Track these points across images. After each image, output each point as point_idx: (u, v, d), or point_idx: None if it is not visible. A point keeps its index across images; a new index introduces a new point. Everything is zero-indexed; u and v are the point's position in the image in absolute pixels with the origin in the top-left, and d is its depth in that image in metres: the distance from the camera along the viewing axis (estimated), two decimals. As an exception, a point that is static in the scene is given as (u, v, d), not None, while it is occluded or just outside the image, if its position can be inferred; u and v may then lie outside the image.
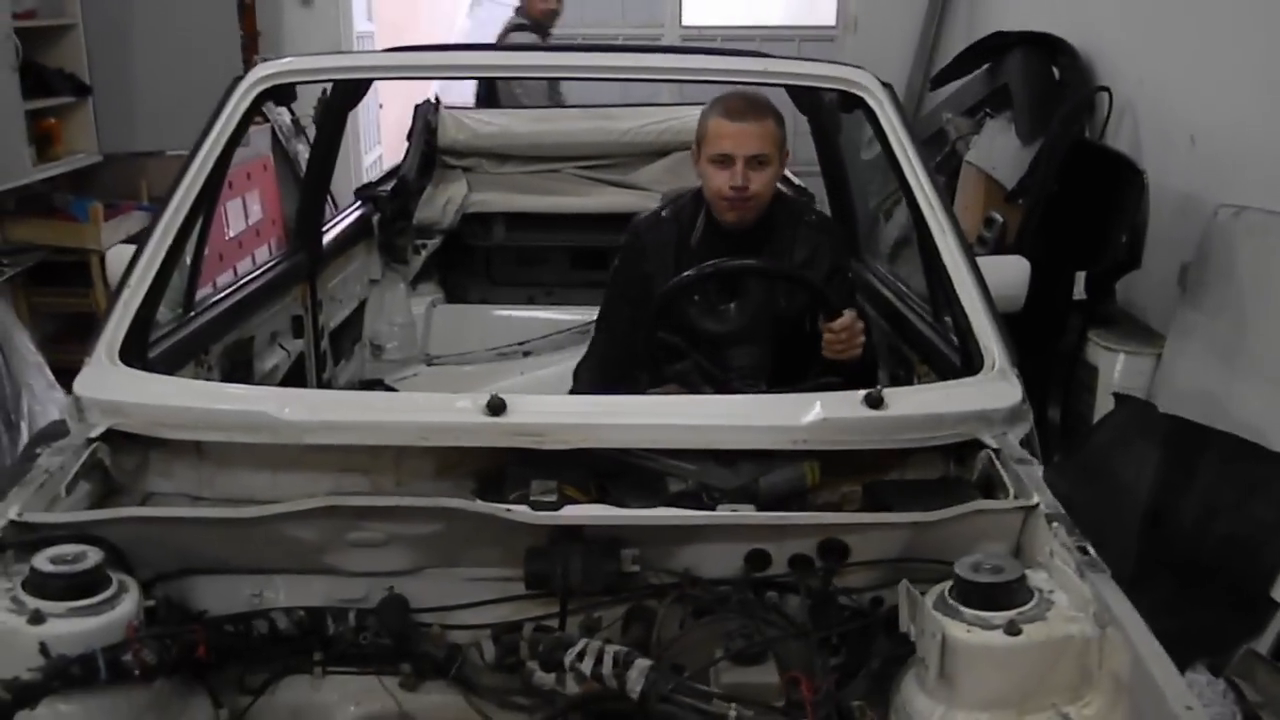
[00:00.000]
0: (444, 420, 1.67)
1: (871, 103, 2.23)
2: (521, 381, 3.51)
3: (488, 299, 4.21)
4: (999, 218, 4.36)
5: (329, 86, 3.00)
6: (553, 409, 1.72)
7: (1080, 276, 3.94)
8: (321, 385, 3.15)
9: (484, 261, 4.35)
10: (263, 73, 2.20)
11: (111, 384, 1.71)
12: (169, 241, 1.98)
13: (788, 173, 4.06)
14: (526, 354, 3.84)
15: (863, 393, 1.76)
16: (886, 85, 2.27)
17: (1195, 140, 3.74)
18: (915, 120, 6.15)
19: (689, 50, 2.58)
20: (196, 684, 1.58)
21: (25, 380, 3.22)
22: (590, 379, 2.58)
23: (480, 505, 1.57)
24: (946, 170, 5.34)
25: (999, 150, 4.66)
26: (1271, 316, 3.46)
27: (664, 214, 2.58)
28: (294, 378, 2.96)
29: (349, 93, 2.97)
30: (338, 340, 3.45)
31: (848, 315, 2.23)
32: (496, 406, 1.68)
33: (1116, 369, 4.19)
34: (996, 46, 4.84)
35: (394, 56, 2.56)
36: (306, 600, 1.67)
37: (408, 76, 3.52)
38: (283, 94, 2.25)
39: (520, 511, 1.57)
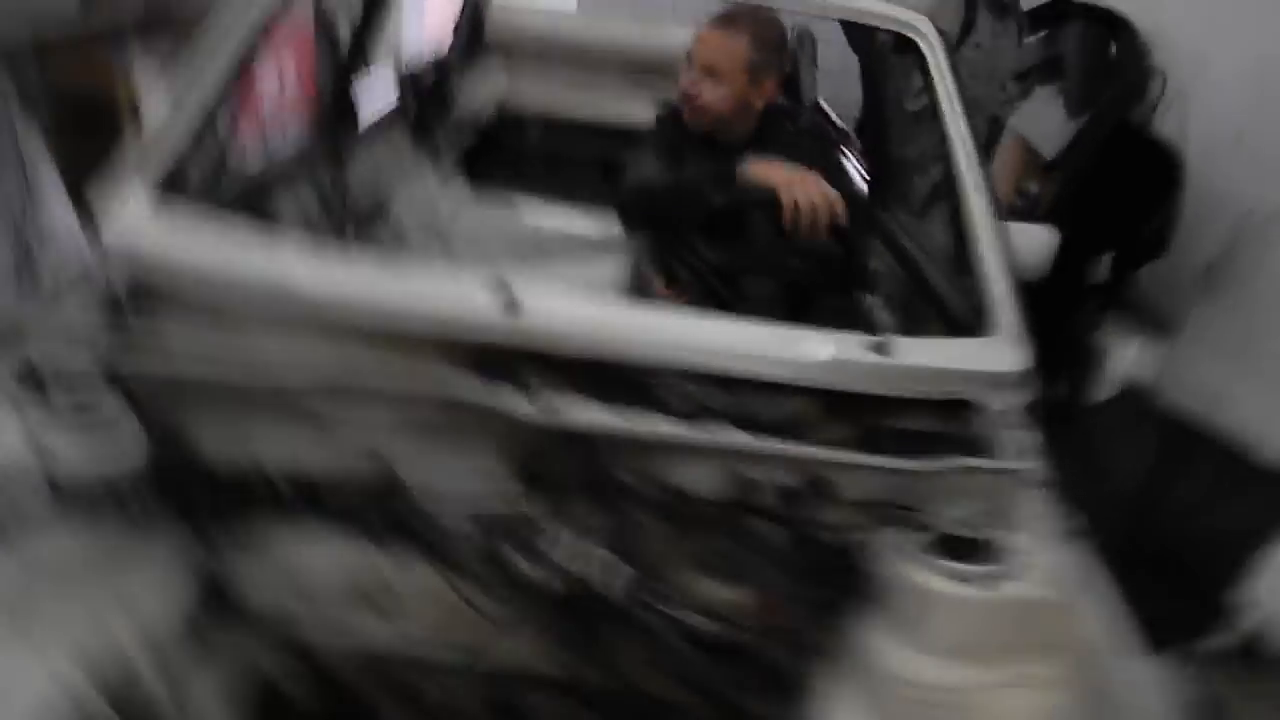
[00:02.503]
0: (455, 313, 1.68)
1: (924, 47, 2.21)
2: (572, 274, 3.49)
3: (525, 199, 4.18)
4: (1034, 187, 4.33)
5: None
6: (569, 313, 1.73)
7: (1105, 259, 3.93)
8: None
9: (518, 162, 4.32)
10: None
11: (138, 233, 1.72)
12: (208, 97, 1.98)
13: (828, 110, 4.04)
14: (545, 256, 3.83)
15: (870, 339, 1.77)
16: (942, 33, 2.24)
17: (1242, 138, 3.70)
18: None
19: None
20: (191, 529, 1.63)
21: (48, 215, 3.23)
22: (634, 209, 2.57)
23: (482, 396, 1.59)
24: (987, 136, 5.30)
25: (1044, 119, 4.60)
26: (1290, 327, 3.46)
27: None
28: None
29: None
30: (361, 224, 3.45)
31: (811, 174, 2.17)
32: (511, 305, 1.70)
33: (1126, 354, 4.21)
34: (1057, 15, 4.74)
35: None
36: (309, 467, 1.71)
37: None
38: None
39: (520, 408, 1.59)
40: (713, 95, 2.36)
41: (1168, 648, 2.91)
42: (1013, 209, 4.31)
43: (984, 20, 3.70)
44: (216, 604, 1.67)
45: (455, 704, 1.82)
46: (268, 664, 1.76)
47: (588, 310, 1.74)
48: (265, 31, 2.16)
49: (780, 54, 2.40)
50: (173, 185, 1.87)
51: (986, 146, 5.39)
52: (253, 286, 1.69)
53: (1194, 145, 3.79)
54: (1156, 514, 3.77)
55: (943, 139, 2.15)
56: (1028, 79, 4.83)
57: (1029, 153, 4.68)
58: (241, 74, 2.13)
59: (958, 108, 2.14)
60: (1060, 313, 3.78)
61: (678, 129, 2.47)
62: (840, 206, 2.11)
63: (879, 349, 1.77)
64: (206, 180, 2.16)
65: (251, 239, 1.76)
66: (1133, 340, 4.20)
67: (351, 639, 1.78)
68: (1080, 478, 3.85)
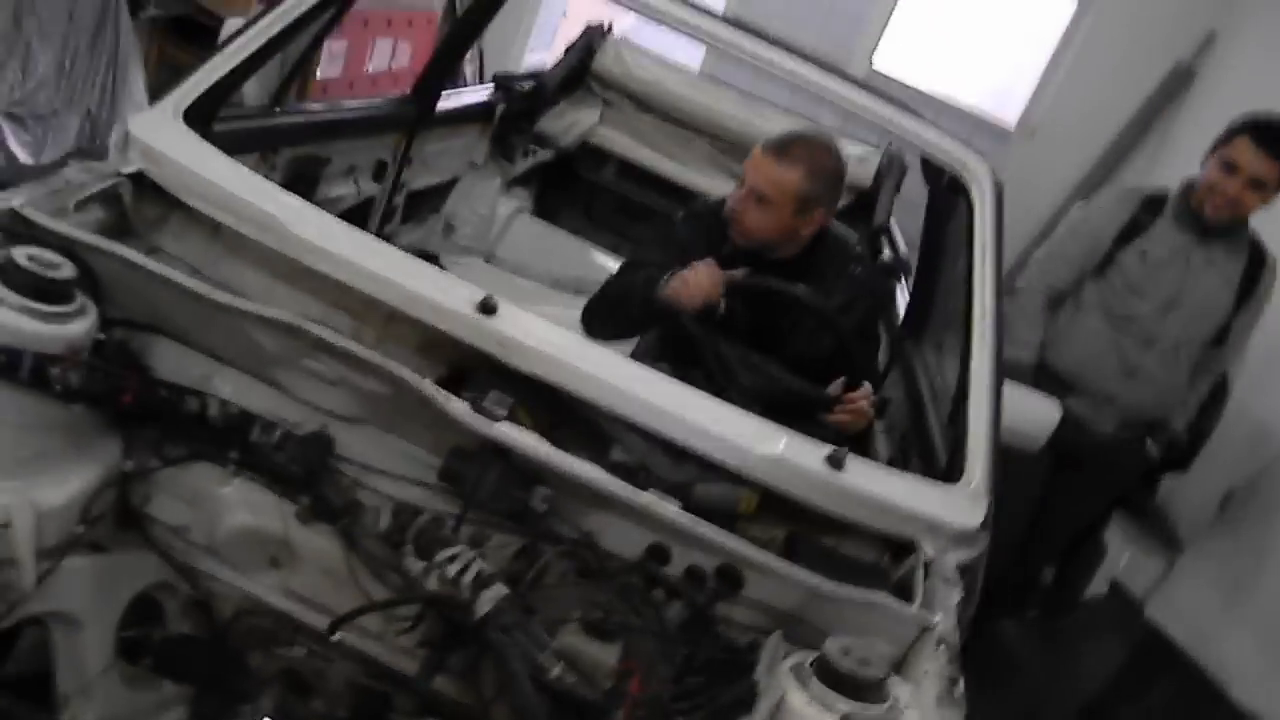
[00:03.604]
0: (433, 297, 1.69)
1: (975, 193, 2.20)
2: (560, 314, 3.52)
3: (580, 233, 4.21)
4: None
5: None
6: (540, 334, 1.73)
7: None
8: (379, 234, 3.20)
9: (587, 195, 4.38)
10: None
11: (159, 132, 1.76)
12: (274, 30, 2.02)
13: (897, 234, 4.02)
14: (579, 291, 3.86)
15: (829, 450, 1.74)
16: (998, 184, 2.23)
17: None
18: (1037, 239, 6.07)
19: (851, 80, 2.51)
20: (115, 429, 1.65)
21: (124, 114, 3.32)
22: (590, 307, 2.56)
23: (422, 384, 1.59)
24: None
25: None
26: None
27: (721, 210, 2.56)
28: (355, 216, 3.01)
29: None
30: (415, 202, 3.50)
31: (865, 388, 2.20)
32: (490, 308, 1.71)
33: (1123, 560, 4.12)
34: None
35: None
36: (248, 404, 1.72)
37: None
38: None
39: (456, 407, 1.59)
40: (757, 220, 2.33)
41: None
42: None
43: (1164, 229, 3.27)
44: (116, 505, 1.68)
45: (317, 670, 1.81)
46: (148, 576, 1.77)
47: (559, 337, 1.73)
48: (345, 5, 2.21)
49: (835, 186, 2.38)
50: (202, 111, 1.90)
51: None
52: (246, 213, 1.71)
53: (1247, 365, 3.71)
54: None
55: (967, 283, 2.13)
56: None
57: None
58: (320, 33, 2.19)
59: (989, 258, 2.12)
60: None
61: (721, 231, 2.45)
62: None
63: (833, 462, 1.74)
64: (252, 116, 2.22)
65: (257, 177, 1.79)
66: (1135, 545, 4.11)
67: (236, 578, 1.78)
68: (1042, 667, 3.77)
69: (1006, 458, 3.50)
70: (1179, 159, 5.39)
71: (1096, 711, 3.69)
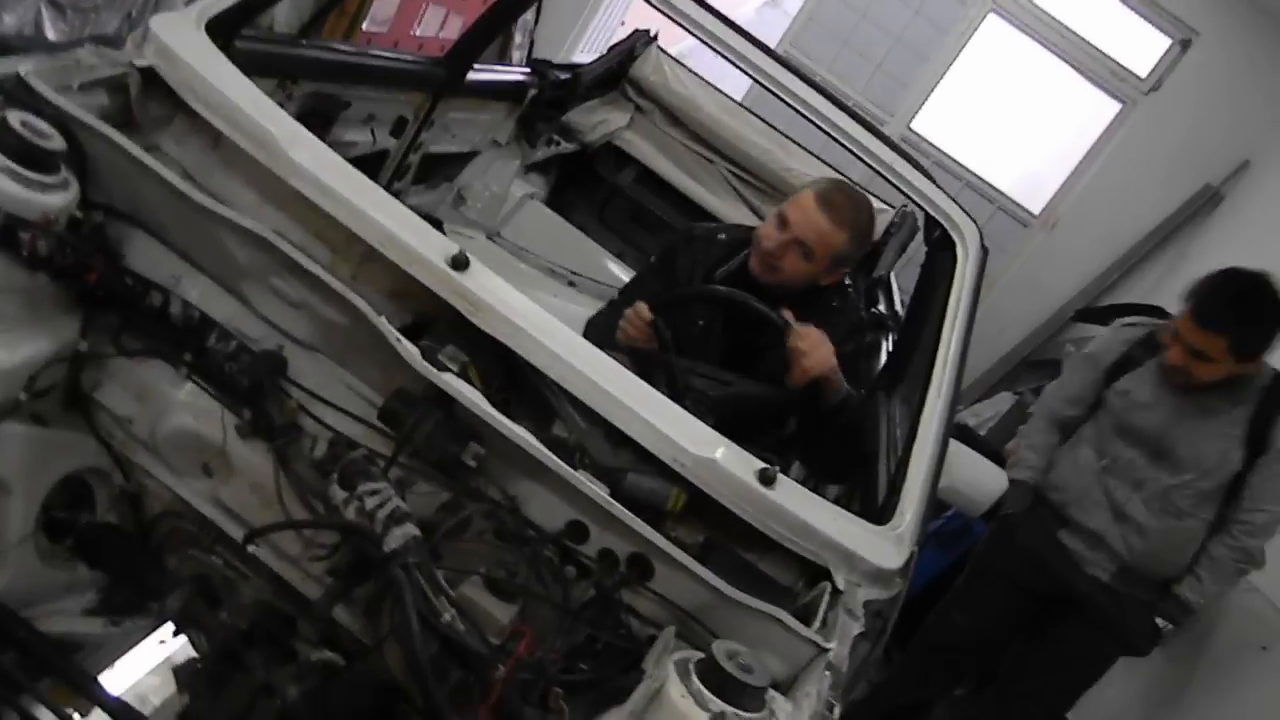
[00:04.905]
0: (407, 241, 1.72)
1: (959, 251, 2.24)
2: (548, 302, 3.56)
3: (587, 229, 4.26)
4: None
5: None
6: (505, 298, 1.76)
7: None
8: (387, 189, 3.23)
9: (602, 195, 4.43)
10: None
11: (177, 33, 1.79)
12: None
13: (895, 288, 4.06)
14: (571, 284, 3.90)
15: (762, 465, 1.77)
16: (984, 248, 2.27)
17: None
18: (1047, 335, 6.10)
19: (865, 124, 2.56)
20: (76, 309, 1.68)
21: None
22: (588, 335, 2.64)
23: (379, 321, 1.62)
24: (1038, 394, 5.26)
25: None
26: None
27: (720, 236, 2.67)
28: (366, 166, 3.04)
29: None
30: (430, 166, 3.53)
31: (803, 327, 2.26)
32: (460, 263, 1.74)
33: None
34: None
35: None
36: (210, 311, 1.75)
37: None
38: None
39: (407, 349, 1.62)
40: (795, 267, 2.42)
41: None
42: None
43: (1152, 370, 3.09)
44: (65, 384, 1.71)
45: (229, 581, 1.84)
46: (84, 459, 1.79)
47: (523, 305, 1.76)
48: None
49: (865, 248, 2.46)
50: (226, 25, 1.94)
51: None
52: (245, 127, 1.75)
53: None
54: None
55: (935, 336, 2.17)
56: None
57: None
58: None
59: (962, 314, 2.16)
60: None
61: (717, 259, 2.54)
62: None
63: (764, 478, 1.76)
64: (279, 42, 2.25)
65: (266, 96, 1.82)
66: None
67: (168, 477, 1.81)
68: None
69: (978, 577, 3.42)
70: (1192, 279, 5.44)
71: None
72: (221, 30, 1.91)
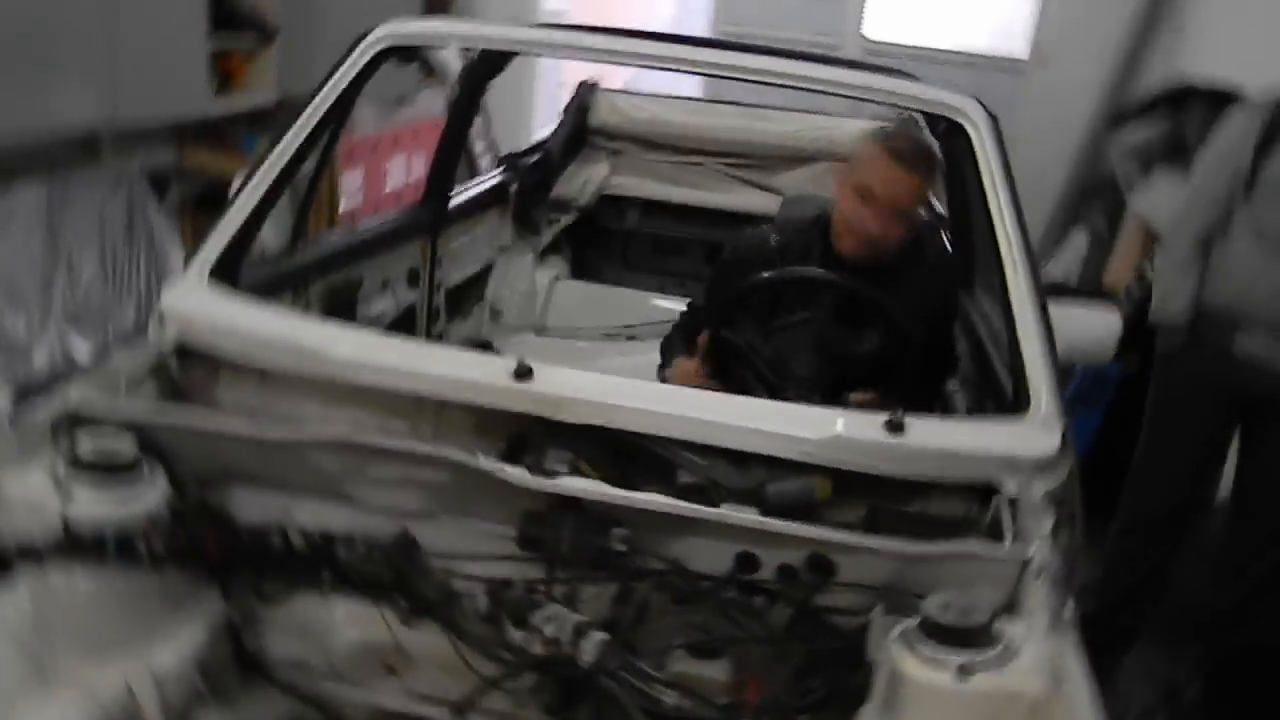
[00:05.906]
0: (468, 377, 1.75)
1: (971, 133, 2.19)
2: (620, 363, 3.58)
3: (622, 281, 4.29)
4: (1150, 273, 4.16)
5: (478, 53, 3.15)
6: (578, 384, 1.78)
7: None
8: (431, 338, 3.30)
9: (621, 244, 4.45)
10: (385, 32, 2.32)
11: (187, 300, 1.86)
12: (273, 175, 2.13)
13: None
14: (631, 338, 3.91)
15: (885, 417, 1.75)
16: (993, 117, 2.22)
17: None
18: (1090, 162, 5.93)
19: (815, 59, 2.53)
20: (210, 581, 1.73)
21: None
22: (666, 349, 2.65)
23: (476, 460, 1.65)
24: (1110, 217, 5.13)
25: (1167, 202, 4.44)
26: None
27: (771, 240, 2.56)
28: (402, 326, 3.11)
29: (492, 63, 3.10)
30: (457, 299, 3.60)
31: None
32: (523, 373, 1.76)
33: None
34: (1180, 97, 4.61)
35: (527, 31, 2.66)
36: (327, 526, 1.79)
37: (535, 52, 3.58)
38: (406, 55, 2.37)
39: (513, 473, 1.64)
40: (899, 234, 2.35)
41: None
42: (1127, 292, 4.15)
43: None
44: (232, 653, 1.75)
45: None
46: (283, 711, 1.84)
47: (593, 382, 1.78)
48: (339, 125, 2.32)
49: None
50: (227, 267, 2.01)
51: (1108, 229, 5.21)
52: (282, 351, 1.80)
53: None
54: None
55: (986, 219, 2.12)
56: (1151, 161, 4.63)
57: (1150, 235, 4.52)
58: (319, 163, 2.29)
59: (1002, 190, 2.11)
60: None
61: (811, 244, 2.49)
62: None
63: (892, 427, 1.74)
64: (277, 259, 2.32)
65: (287, 314, 1.88)
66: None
67: (361, 693, 1.84)
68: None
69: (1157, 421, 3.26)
70: (1200, 42, 5.27)
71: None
72: (226, 274, 1.97)
